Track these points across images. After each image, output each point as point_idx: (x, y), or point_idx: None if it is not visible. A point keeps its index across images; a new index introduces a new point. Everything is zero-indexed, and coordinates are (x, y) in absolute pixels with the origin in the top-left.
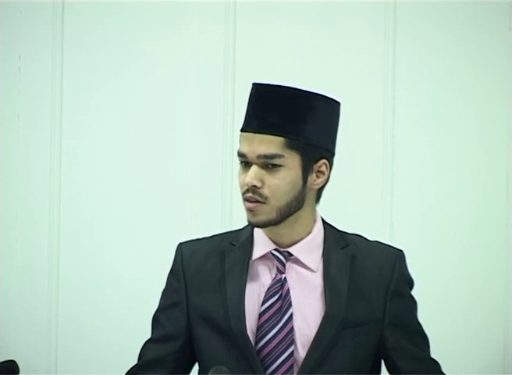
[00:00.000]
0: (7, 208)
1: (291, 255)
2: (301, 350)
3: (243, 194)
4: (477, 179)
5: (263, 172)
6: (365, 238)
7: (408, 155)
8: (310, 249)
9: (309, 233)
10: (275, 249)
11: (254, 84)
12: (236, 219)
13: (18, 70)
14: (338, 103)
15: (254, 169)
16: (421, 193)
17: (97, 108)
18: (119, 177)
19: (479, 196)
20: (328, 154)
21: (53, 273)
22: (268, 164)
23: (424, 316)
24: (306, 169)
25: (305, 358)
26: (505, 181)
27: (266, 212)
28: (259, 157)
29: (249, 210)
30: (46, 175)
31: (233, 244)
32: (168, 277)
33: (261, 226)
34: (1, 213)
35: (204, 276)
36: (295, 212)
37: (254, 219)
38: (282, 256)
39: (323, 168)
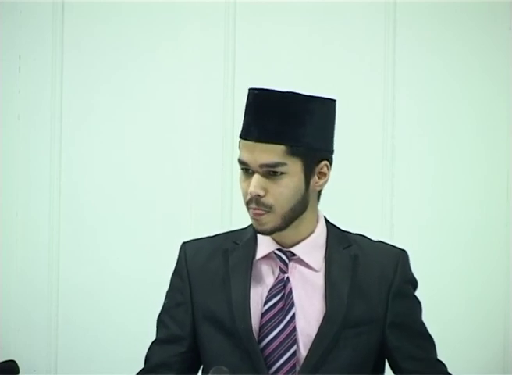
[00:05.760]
0: (7, 208)
1: (294, 254)
2: (303, 350)
3: (246, 203)
4: (477, 179)
5: (266, 180)
6: (368, 238)
7: (408, 155)
8: (312, 249)
9: (312, 232)
10: (278, 249)
11: (250, 90)
12: (236, 219)
13: (18, 70)
14: (333, 101)
15: (256, 178)
16: (421, 193)
17: (97, 108)
18: (119, 177)
19: (479, 196)
20: (328, 154)
21: (53, 273)
22: (271, 172)
23: (424, 316)
24: (308, 173)
25: (306, 358)
26: (505, 181)
27: (272, 221)
28: (261, 166)
29: (255, 219)
30: (46, 175)
31: (237, 243)
32: (171, 277)
33: (268, 233)
34: (1, 213)
35: (208, 275)
36: (299, 215)
37: (260, 228)
38: (284, 256)
39: (324, 169)
